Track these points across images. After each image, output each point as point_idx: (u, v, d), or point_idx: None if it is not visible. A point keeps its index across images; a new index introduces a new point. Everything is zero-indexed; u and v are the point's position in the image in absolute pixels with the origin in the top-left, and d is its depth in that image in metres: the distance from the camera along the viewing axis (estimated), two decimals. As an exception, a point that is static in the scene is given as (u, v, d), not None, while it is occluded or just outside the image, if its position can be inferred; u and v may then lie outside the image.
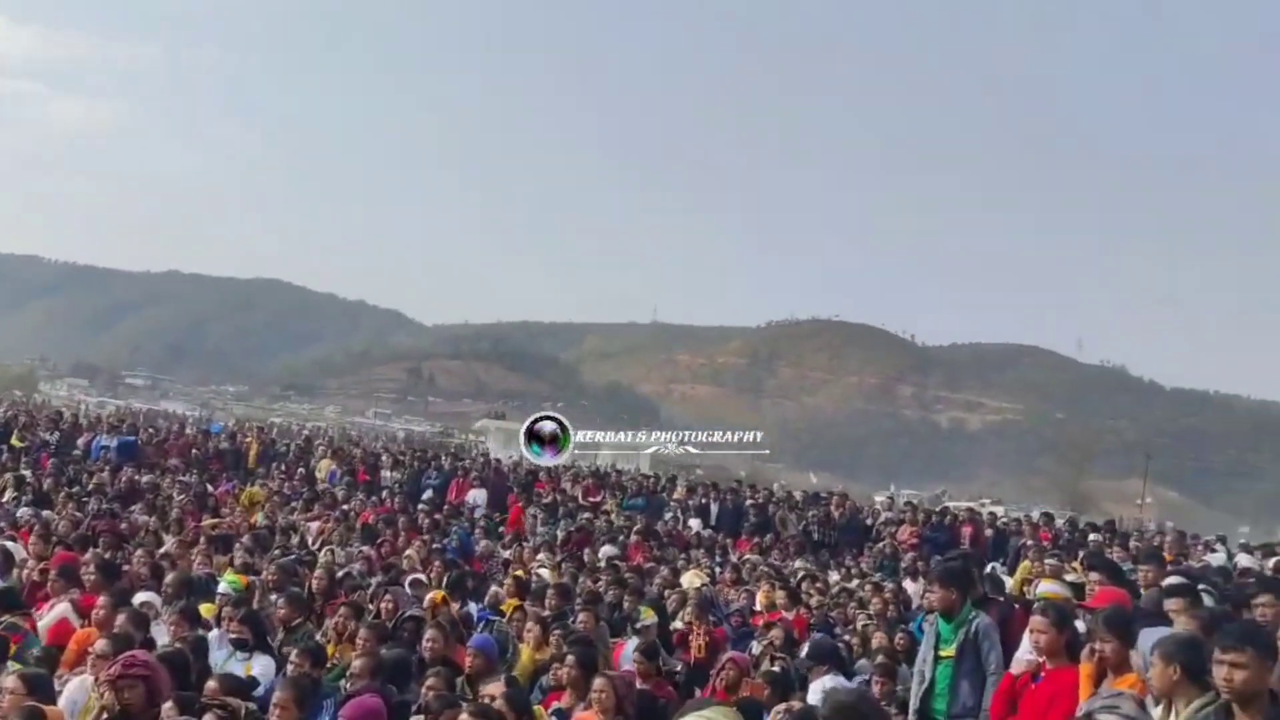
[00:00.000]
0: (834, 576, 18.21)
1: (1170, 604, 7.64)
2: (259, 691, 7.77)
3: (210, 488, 21.25)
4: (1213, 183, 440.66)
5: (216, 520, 17.16)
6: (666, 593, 13.78)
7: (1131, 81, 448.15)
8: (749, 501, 24.33)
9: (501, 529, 20.26)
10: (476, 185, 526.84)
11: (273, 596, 10.77)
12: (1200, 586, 8.66)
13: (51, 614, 9.66)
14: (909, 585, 16.56)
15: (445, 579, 12.19)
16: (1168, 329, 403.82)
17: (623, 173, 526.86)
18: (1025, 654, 7.55)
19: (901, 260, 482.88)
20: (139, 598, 9.87)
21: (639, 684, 8.64)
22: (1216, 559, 18.90)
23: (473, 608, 11.71)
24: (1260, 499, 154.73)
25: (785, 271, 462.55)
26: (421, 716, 7.39)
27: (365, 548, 15.18)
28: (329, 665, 8.88)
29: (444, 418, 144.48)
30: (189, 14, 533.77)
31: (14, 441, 24.84)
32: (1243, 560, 18.00)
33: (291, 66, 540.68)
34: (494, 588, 12.86)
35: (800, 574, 17.00)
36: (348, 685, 8.05)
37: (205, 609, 9.89)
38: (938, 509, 28.04)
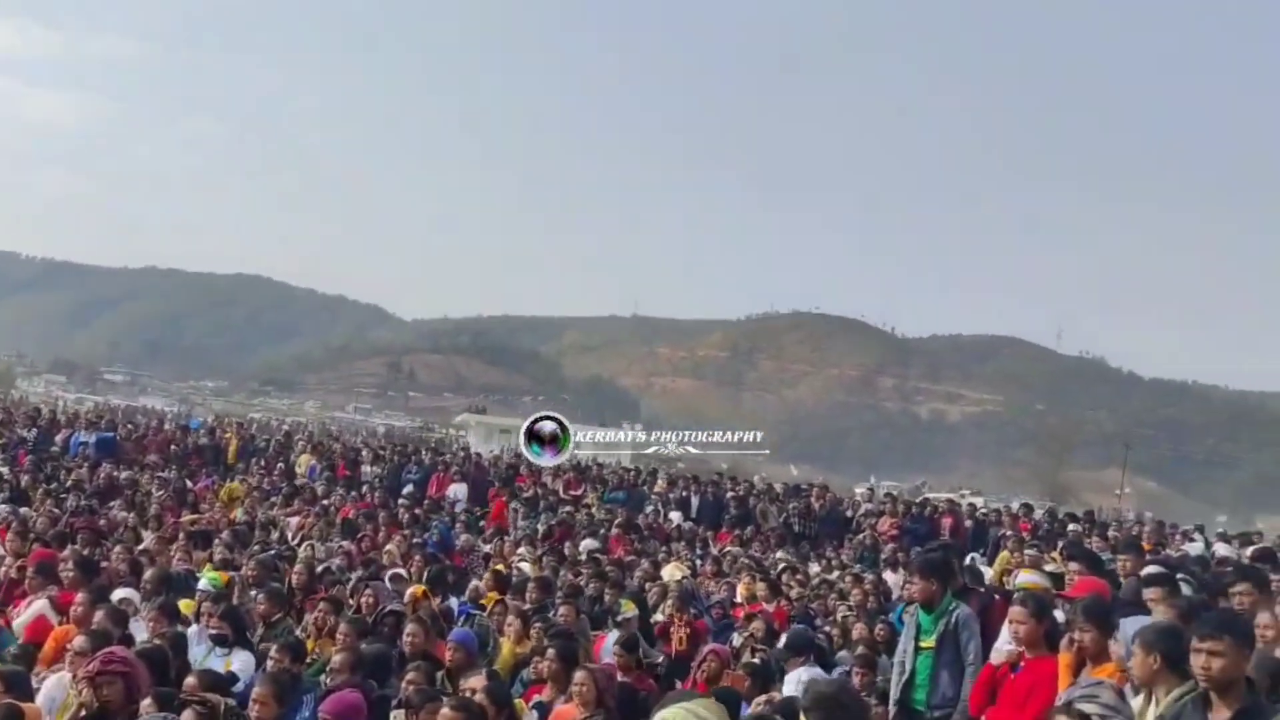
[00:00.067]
0: (814, 568, 18.28)
1: (1149, 593, 7.68)
2: (238, 687, 7.74)
3: (189, 483, 21.18)
4: (1191, 175, 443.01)
5: (196, 516, 17.12)
6: (647, 585, 13.81)
7: (1108, 73, 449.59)
8: (730, 494, 24.36)
9: (482, 523, 20.23)
10: (456, 179, 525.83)
11: (252, 592, 10.74)
12: (1178, 576, 8.71)
13: (29, 611, 9.62)
14: (889, 576, 16.61)
15: (426, 574, 12.16)
16: (1147, 320, 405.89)
17: (603, 165, 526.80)
18: (1005, 644, 7.56)
19: (882, 252, 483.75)
20: (117, 594, 9.83)
21: (619, 676, 8.65)
22: (1194, 548, 19.04)
23: (453, 602, 11.68)
24: (1237, 488, 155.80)
25: (766, 264, 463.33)
26: (402, 711, 7.38)
27: (345, 543, 15.15)
28: (309, 660, 8.87)
29: (424, 412, 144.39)
30: (166, 9, 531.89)
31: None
32: (1220, 549, 18.15)
33: (269, 61, 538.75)
34: (474, 582, 12.84)
35: (781, 566, 17.05)
36: (328, 680, 8.04)
37: (184, 605, 9.84)
38: (918, 500, 28.16)
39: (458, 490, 23.30)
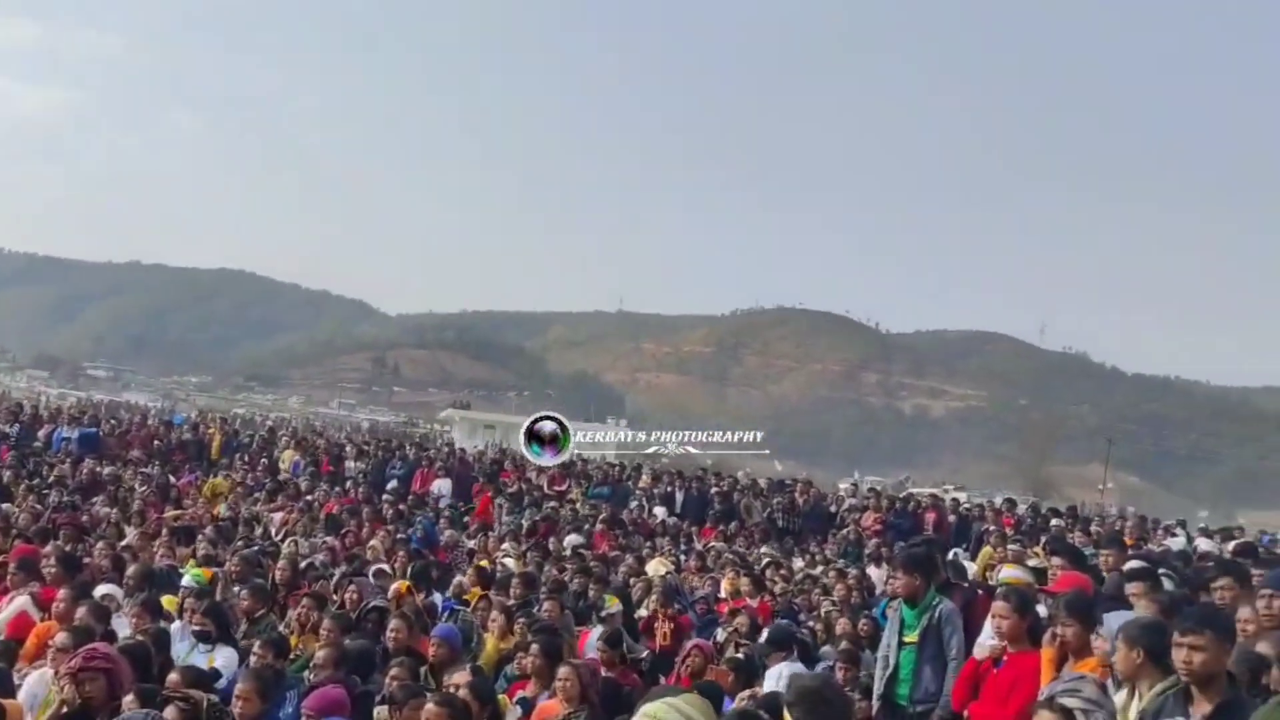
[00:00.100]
0: (798, 563, 18.30)
1: (1131, 588, 7.71)
2: (221, 683, 7.73)
3: (173, 479, 21.13)
4: (1176, 173, 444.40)
5: (179, 512, 17.09)
6: (632, 581, 13.84)
7: (1093, 71, 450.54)
8: (714, 489, 24.36)
9: (467, 519, 20.21)
10: (441, 174, 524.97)
11: (236, 588, 10.73)
12: (1160, 570, 8.74)
13: (11, 607, 9.57)
14: (873, 571, 16.65)
15: (410, 569, 12.16)
16: (1129, 316, 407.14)
17: (589, 161, 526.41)
18: (987, 639, 7.58)
19: (867, 249, 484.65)
20: (100, 590, 9.79)
21: (603, 672, 8.66)
22: (1176, 543, 19.08)
23: (437, 598, 11.68)
24: (1219, 484, 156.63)
25: (751, 260, 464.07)
26: (386, 707, 7.37)
27: (329, 538, 15.15)
28: (292, 656, 8.87)
29: (409, 407, 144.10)
30: (148, 2, 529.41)
31: (-27, 435, 24.60)
32: (1202, 544, 18.19)
33: (254, 55, 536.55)
34: (458, 577, 12.84)
35: (765, 561, 17.07)
36: (311, 676, 8.02)
37: (167, 601, 9.82)
38: (901, 495, 28.16)
39: (442, 486, 23.28)
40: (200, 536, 13.96)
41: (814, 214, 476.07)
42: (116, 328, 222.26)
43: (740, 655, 9.61)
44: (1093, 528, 20.25)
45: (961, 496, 37.75)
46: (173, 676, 7.00)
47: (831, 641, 11.48)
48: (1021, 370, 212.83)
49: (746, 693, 8.55)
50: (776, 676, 8.61)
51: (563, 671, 7.61)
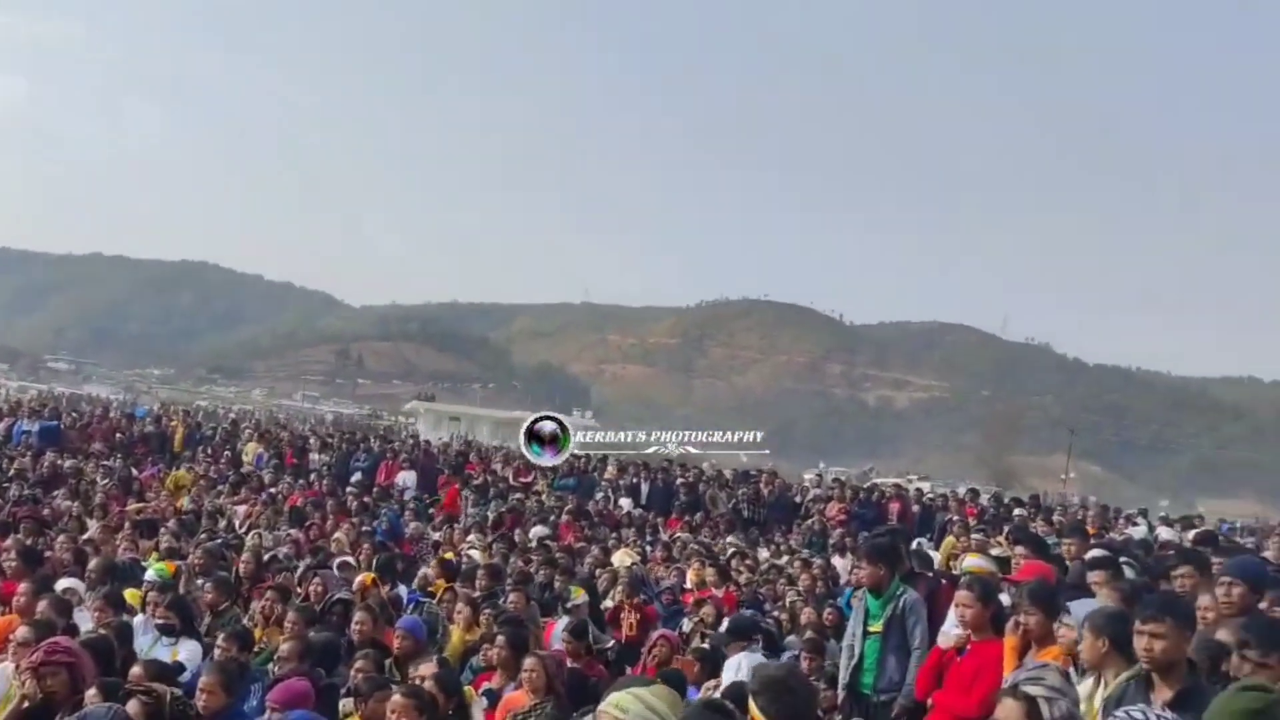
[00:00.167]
0: (764, 553, 18.35)
1: (1092, 576, 7.76)
2: (185, 677, 7.69)
3: (135, 472, 20.97)
4: (1134, 162, 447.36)
5: (141, 505, 16.95)
6: (598, 572, 13.85)
7: (1051, 66, 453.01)
8: (679, 480, 24.40)
9: (431, 511, 20.17)
10: (405, 165, 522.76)
11: (199, 581, 10.67)
12: (1122, 559, 8.81)
13: (-30, 602, 9.50)
14: (837, 561, 16.72)
15: (374, 561, 12.13)
16: (1092, 307, 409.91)
17: (552, 152, 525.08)
18: (951, 628, 7.62)
19: (831, 241, 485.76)
20: (61, 584, 9.71)
21: (569, 663, 8.66)
22: (1138, 532, 19.27)
23: (402, 590, 11.65)
24: (1180, 473, 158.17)
25: (716, 251, 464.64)
26: (351, 699, 7.35)
27: (293, 531, 15.07)
28: (256, 649, 8.84)
29: (373, 400, 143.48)
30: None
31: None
32: (1163, 533, 18.37)
33: (215, 44, 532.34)
34: (423, 569, 12.80)
35: (730, 551, 17.12)
36: (275, 669, 7.98)
37: (130, 595, 9.75)
38: (865, 486, 28.28)
39: (407, 478, 23.22)
40: (163, 530, 13.90)
41: (779, 206, 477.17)
42: (77, 320, 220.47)
43: (706, 645, 9.63)
44: (1055, 517, 20.39)
45: (925, 487, 37.88)
46: (136, 670, 6.97)
47: (796, 631, 11.50)
48: (984, 361, 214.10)
49: (712, 682, 8.58)
50: (735, 667, 8.60)
51: (529, 663, 7.60)
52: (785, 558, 17.27)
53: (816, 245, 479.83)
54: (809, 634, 10.52)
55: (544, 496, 22.54)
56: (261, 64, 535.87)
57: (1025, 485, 72.19)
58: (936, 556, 15.43)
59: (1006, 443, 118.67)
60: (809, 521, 21.75)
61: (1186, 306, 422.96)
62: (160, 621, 8.76)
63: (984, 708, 6.24)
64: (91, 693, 6.40)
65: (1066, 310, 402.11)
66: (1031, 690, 5.05)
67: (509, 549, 14.98)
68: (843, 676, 8.38)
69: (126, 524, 14.11)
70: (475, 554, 14.48)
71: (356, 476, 22.88)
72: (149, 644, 8.57)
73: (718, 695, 7.62)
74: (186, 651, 8.42)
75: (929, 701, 7.53)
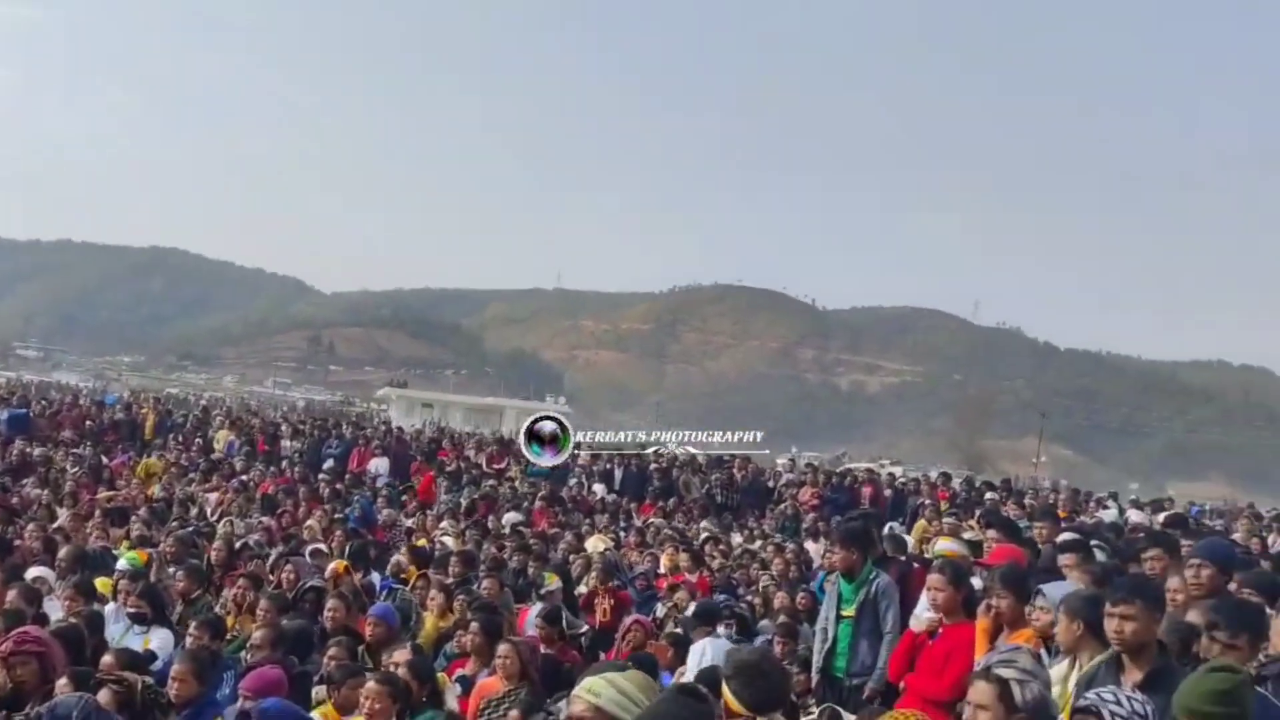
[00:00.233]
0: (737, 538, 18.38)
1: (1064, 559, 7.81)
2: (157, 665, 7.64)
3: (105, 460, 20.90)
4: (1104, 148, 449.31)
5: (112, 493, 16.89)
6: (571, 558, 13.85)
7: (1017, 49, 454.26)
8: (653, 466, 24.44)
9: (404, 497, 20.12)
10: (375, 150, 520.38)
11: (171, 569, 10.62)
12: (1093, 542, 8.87)
13: (-61, 591, 9.42)
14: (810, 546, 16.77)
15: (347, 549, 12.09)
16: (1062, 291, 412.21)
17: (525, 137, 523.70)
18: (923, 611, 7.64)
19: (804, 226, 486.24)
20: (31, 573, 9.67)
21: (542, 649, 8.66)
22: (1108, 515, 19.38)
23: (375, 577, 11.63)
24: (1149, 456, 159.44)
25: (689, 237, 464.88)
26: (324, 687, 7.34)
27: (265, 518, 15.04)
28: (229, 637, 8.81)
29: (345, 386, 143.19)
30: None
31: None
32: (1133, 516, 18.47)
33: (183, 29, 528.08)
34: (396, 556, 12.78)
35: (704, 536, 17.15)
36: (248, 657, 7.96)
37: (101, 583, 9.70)
38: (838, 470, 28.39)
39: (379, 465, 23.17)
40: (134, 518, 13.83)
41: (752, 191, 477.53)
42: (47, 307, 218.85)
43: (679, 630, 9.65)
44: (1026, 501, 20.53)
45: (897, 471, 38.07)
46: (107, 659, 6.92)
47: (770, 615, 11.52)
48: (956, 346, 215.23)
49: (681, 669, 8.58)
50: (700, 652, 8.61)
51: (502, 649, 7.60)
52: (758, 542, 17.31)
53: (789, 230, 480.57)
54: (782, 618, 10.54)
55: (517, 483, 22.55)
56: (229, 47, 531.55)
57: (997, 469, 72.72)
58: (909, 540, 15.49)
59: (978, 427, 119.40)
60: (782, 506, 21.84)
61: (1156, 291, 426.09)
62: (132, 610, 8.72)
63: (956, 690, 6.26)
64: (62, 682, 6.35)
65: (1037, 295, 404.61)
66: (1004, 673, 5.07)
67: (482, 535, 14.95)
68: (816, 660, 8.39)
69: (97, 512, 14.05)
70: (448, 540, 14.45)
71: (329, 463, 22.80)
72: (120, 633, 8.53)
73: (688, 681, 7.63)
74: (158, 640, 8.37)
75: (901, 684, 7.56)
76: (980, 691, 4.79)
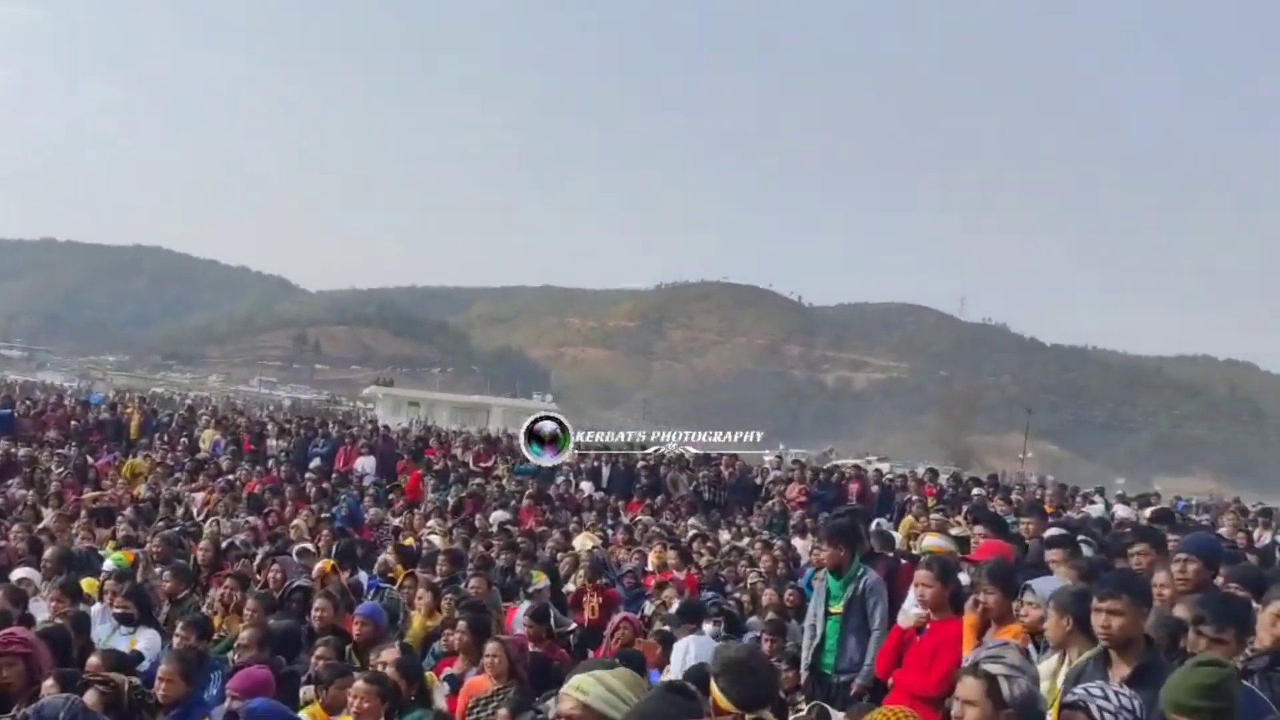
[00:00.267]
0: (724, 535, 18.39)
1: (1050, 554, 7.83)
2: (144, 666, 7.62)
3: (90, 460, 20.82)
4: (1089, 145, 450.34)
5: (97, 493, 16.84)
6: (559, 556, 13.85)
7: (1003, 46, 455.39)
8: (640, 463, 24.44)
9: (391, 496, 20.09)
10: (360, 148, 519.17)
11: (157, 569, 10.59)
12: (1079, 537, 8.89)
13: (-76, 593, 9.38)
14: (798, 542, 16.79)
15: (334, 548, 12.07)
16: (1048, 287, 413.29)
17: (510, 135, 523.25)
18: (911, 607, 7.66)
19: (789, 222, 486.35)
20: (17, 573, 9.65)
21: (531, 647, 8.66)
22: (1095, 510, 19.39)
23: (362, 576, 11.61)
24: (1136, 452, 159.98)
25: (676, 234, 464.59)
26: (311, 686, 7.32)
27: (252, 518, 14.99)
28: (216, 637, 8.79)
29: (331, 385, 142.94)
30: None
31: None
32: (1120, 511, 18.49)
33: (169, 26, 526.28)
34: (383, 555, 12.76)
35: (691, 534, 17.14)
36: (235, 657, 7.94)
37: (88, 584, 9.67)
38: (825, 467, 28.42)
39: (366, 464, 23.12)
40: (120, 518, 13.79)
41: (737, 187, 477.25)
42: (30, 306, 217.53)
43: (667, 628, 9.65)
44: (1013, 496, 20.55)
45: (884, 467, 38.11)
46: (93, 660, 6.90)
47: (758, 612, 11.54)
48: (942, 341, 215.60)
49: (670, 665, 8.59)
50: (683, 650, 8.62)
51: (490, 648, 7.59)
52: (746, 539, 17.31)
53: (775, 227, 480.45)
54: (770, 615, 10.56)
55: (505, 481, 22.52)
56: (217, 49, 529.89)
57: (983, 465, 72.86)
58: (897, 536, 15.51)
59: (965, 423, 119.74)
60: (769, 503, 21.83)
61: (1142, 286, 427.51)
62: (118, 610, 8.70)
63: (944, 686, 6.27)
64: (49, 683, 6.33)
65: (1024, 291, 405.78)
66: (991, 668, 5.08)
67: (470, 534, 14.95)
68: (804, 657, 8.40)
69: (83, 512, 14.01)
70: (436, 539, 14.44)
71: (315, 462, 22.75)
72: (107, 633, 8.51)
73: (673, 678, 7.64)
74: (145, 640, 8.36)
75: (889, 681, 7.57)
76: (968, 687, 4.80)
